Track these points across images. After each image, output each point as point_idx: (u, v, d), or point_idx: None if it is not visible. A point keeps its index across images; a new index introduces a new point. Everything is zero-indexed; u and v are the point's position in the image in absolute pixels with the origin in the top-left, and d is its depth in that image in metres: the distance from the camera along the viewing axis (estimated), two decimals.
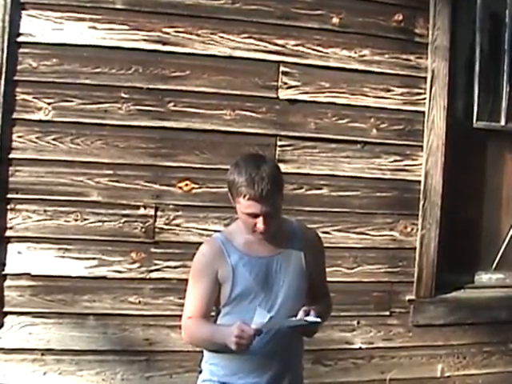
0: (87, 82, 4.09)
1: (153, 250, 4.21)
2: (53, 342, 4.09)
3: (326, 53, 4.45)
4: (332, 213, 4.49)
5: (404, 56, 4.59)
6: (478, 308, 4.79)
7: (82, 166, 4.10)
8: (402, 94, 4.60)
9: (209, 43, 4.25)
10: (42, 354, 4.09)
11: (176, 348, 4.13)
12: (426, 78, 4.61)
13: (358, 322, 4.56)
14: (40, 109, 4.04)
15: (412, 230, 4.64)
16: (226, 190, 2.87)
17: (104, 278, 4.15)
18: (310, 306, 2.86)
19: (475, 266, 5.02)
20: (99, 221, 4.14)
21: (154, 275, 4.19)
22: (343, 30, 4.47)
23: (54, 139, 4.06)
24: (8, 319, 4.05)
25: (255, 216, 2.77)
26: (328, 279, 4.45)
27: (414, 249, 4.64)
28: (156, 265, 4.19)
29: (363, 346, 4.59)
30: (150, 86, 4.17)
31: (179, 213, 4.24)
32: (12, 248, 4.04)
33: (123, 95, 4.14)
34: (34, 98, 4.03)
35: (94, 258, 4.14)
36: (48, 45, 4.03)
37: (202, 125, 4.26)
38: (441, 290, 4.74)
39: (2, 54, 3.94)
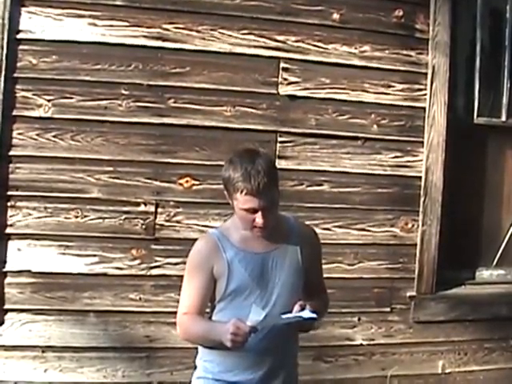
0: (87, 78, 4.09)
1: (153, 246, 4.21)
2: (53, 339, 4.09)
3: (327, 49, 4.44)
4: (333, 209, 4.49)
5: (404, 52, 4.58)
6: (479, 304, 4.79)
7: (83, 162, 4.10)
8: (402, 90, 4.59)
9: (209, 39, 4.24)
10: (43, 351, 4.09)
11: (177, 345, 4.12)
12: (426, 73, 4.60)
13: (359, 319, 4.56)
14: (40, 106, 4.03)
15: (413, 226, 4.64)
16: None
17: (104, 274, 4.15)
18: (306, 301, 2.84)
19: (476, 262, 5.02)
20: (99, 218, 4.14)
21: (154, 272, 4.19)
22: (343, 26, 4.46)
23: (54, 136, 4.06)
24: (8, 316, 4.05)
25: (253, 211, 2.75)
26: (329, 275, 4.46)
27: (415, 245, 4.64)
28: (156, 261, 4.19)
29: (364, 343, 4.59)
30: (150, 83, 4.17)
31: (180, 209, 4.23)
32: (12, 245, 4.04)
33: (123, 92, 4.14)
34: (34, 94, 4.02)
35: (94, 255, 4.14)
36: (48, 41, 4.03)
37: (203, 121, 4.25)
38: (442, 287, 4.74)
39: (1, 51, 3.93)
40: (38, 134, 4.04)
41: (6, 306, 4.04)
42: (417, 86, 4.62)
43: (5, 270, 4.03)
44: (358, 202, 4.54)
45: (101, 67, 4.10)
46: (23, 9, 3.99)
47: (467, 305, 4.77)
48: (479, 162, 4.99)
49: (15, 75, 3.99)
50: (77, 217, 4.11)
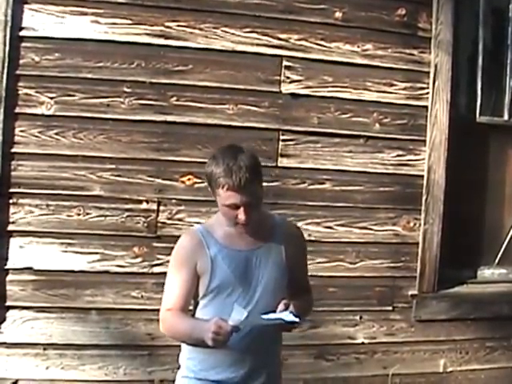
0: (90, 76, 4.09)
1: (155, 244, 4.21)
2: (55, 337, 4.10)
3: (329, 47, 4.44)
4: (335, 207, 4.49)
5: (407, 50, 4.58)
6: (481, 303, 4.79)
7: (85, 160, 4.10)
8: (405, 89, 4.59)
9: (211, 37, 4.24)
10: (45, 349, 4.09)
11: (178, 343, 4.11)
12: (428, 72, 4.60)
13: (361, 317, 4.56)
14: (42, 103, 4.03)
15: (415, 224, 4.64)
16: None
17: (106, 272, 4.15)
18: (290, 300, 2.84)
19: (478, 261, 5.02)
20: (102, 215, 4.14)
21: (156, 270, 4.18)
22: (346, 25, 4.46)
23: (56, 133, 4.06)
24: (10, 313, 4.05)
25: (236, 207, 2.75)
26: (331, 274, 4.48)
27: (417, 244, 4.64)
28: (158, 259, 4.18)
29: (366, 341, 4.59)
30: (153, 81, 4.17)
31: (182, 207, 4.24)
32: (14, 242, 4.04)
33: (126, 89, 4.14)
34: (37, 92, 4.02)
35: (96, 253, 4.14)
36: (50, 39, 4.03)
37: (205, 119, 4.25)
38: (443, 285, 4.74)
39: (4, 48, 3.93)
40: (40, 132, 4.04)
41: (8, 304, 4.04)
42: (419, 85, 4.61)
43: (7, 267, 4.03)
44: (360, 201, 4.54)
45: (103, 65, 4.10)
46: (26, 6, 3.99)
47: (469, 303, 4.77)
48: (481, 160, 4.99)
49: (18, 72, 3.99)
50: (79, 214, 4.11)
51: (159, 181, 4.21)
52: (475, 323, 4.77)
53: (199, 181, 4.22)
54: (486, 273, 5.02)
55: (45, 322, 4.08)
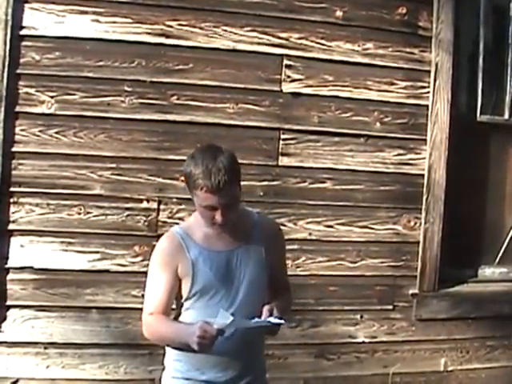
0: (90, 75, 4.08)
1: (156, 243, 4.18)
2: (56, 336, 4.10)
3: (330, 46, 4.44)
4: (335, 206, 4.49)
5: (407, 49, 4.58)
6: (482, 302, 4.79)
7: (85, 159, 4.10)
8: (405, 88, 4.59)
9: (212, 36, 4.24)
10: (45, 348, 4.09)
11: None
12: (429, 71, 4.60)
13: (361, 316, 4.56)
14: (43, 102, 4.03)
15: (415, 223, 4.64)
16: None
17: (107, 271, 4.16)
18: (271, 299, 2.87)
19: (478, 260, 5.02)
20: (102, 214, 4.14)
21: None
22: (347, 24, 4.46)
23: (56, 132, 4.06)
24: (11, 312, 4.05)
25: (213, 208, 2.75)
26: (331, 273, 4.48)
27: (418, 243, 4.64)
28: None
29: (366, 340, 4.59)
30: (153, 80, 4.17)
31: (182, 206, 4.23)
32: (15, 241, 4.04)
33: (126, 88, 4.14)
34: (37, 91, 4.02)
35: (96, 252, 4.14)
36: (51, 38, 4.02)
37: (205, 118, 4.25)
38: (444, 284, 4.74)
39: (4, 47, 3.93)
40: (40, 131, 4.04)
41: (9, 303, 4.04)
42: (420, 84, 4.61)
43: (7, 266, 4.03)
44: (360, 200, 4.54)
45: (104, 64, 4.10)
46: (26, 5, 3.99)
47: (469, 303, 4.76)
48: (482, 159, 4.99)
49: (18, 71, 3.99)
50: (79, 213, 4.11)
51: (160, 180, 4.21)
52: (476, 322, 4.76)
53: None
54: (486, 272, 5.02)
55: (45, 321, 4.08)
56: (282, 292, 3.02)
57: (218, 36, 4.25)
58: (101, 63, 4.09)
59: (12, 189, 4.02)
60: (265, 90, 4.34)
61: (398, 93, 4.57)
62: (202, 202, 2.76)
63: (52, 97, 4.04)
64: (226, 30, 4.26)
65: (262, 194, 4.33)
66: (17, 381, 4.06)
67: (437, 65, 4.59)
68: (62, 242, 4.09)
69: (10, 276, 4.04)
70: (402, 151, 4.60)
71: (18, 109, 4.01)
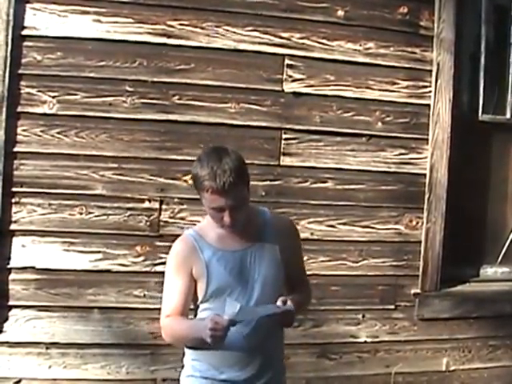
0: (92, 75, 4.09)
1: (157, 243, 4.20)
2: (57, 336, 4.10)
3: (331, 46, 4.44)
4: (337, 206, 4.49)
5: (409, 49, 4.58)
6: (484, 302, 4.78)
7: (87, 159, 4.10)
8: (407, 87, 4.59)
9: (213, 36, 4.24)
10: (47, 348, 4.10)
11: None
12: (431, 70, 4.60)
13: (363, 316, 4.56)
14: (44, 102, 4.03)
15: (417, 223, 4.63)
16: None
17: (109, 271, 4.16)
18: (289, 295, 2.87)
19: (480, 259, 5.02)
20: (104, 214, 4.14)
21: (158, 269, 4.17)
22: (348, 23, 4.46)
23: (58, 133, 4.06)
24: (13, 313, 4.05)
25: (221, 210, 2.76)
26: (333, 273, 4.48)
27: (420, 242, 4.63)
28: (161, 258, 4.17)
29: (368, 340, 4.59)
30: (155, 79, 4.17)
31: (184, 206, 4.23)
32: (17, 241, 4.04)
33: (128, 88, 4.14)
34: (39, 91, 4.03)
35: (98, 252, 4.14)
36: (52, 38, 4.03)
37: (207, 118, 4.25)
38: (446, 284, 4.73)
39: (6, 48, 3.93)
40: (42, 131, 4.04)
41: (11, 303, 4.04)
42: (421, 83, 4.61)
43: (9, 266, 4.03)
44: (362, 199, 4.53)
45: (105, 64, 4.10)
46: (28, 5, 3.99)
47: (471, 302, 4.76)
48: (484, 159, 4.99)
49: (20, 72, 3.99)
50: (81, 213, 4.11)
51: (161, 180, 4.21)
52: (478, 322, 4.76)
53: None
54: (488, 271, 5.01)
55: (47, 321, 4.08)
56: (300, 289, 3.03)
57: (219, 36, 4.25)
58: (102, 63, 4.09)
59: (14, 189, 4.02)
60: (266, 89, 4.34)
61: (399, 92, 4.57)
62: (209, 203, 2.78)
63: (54, 97, 4.04)
64: (227, 30, 4.26)
65: (263, 193, 4.33)
66: (19, 381, 4.07)
67: (438, 64, 4.59)
68: (64, 242, 4.09)
69: (12, 276, 4.04)
70: (403, 151, 4.60)
71: (19, 109, 4.01)
